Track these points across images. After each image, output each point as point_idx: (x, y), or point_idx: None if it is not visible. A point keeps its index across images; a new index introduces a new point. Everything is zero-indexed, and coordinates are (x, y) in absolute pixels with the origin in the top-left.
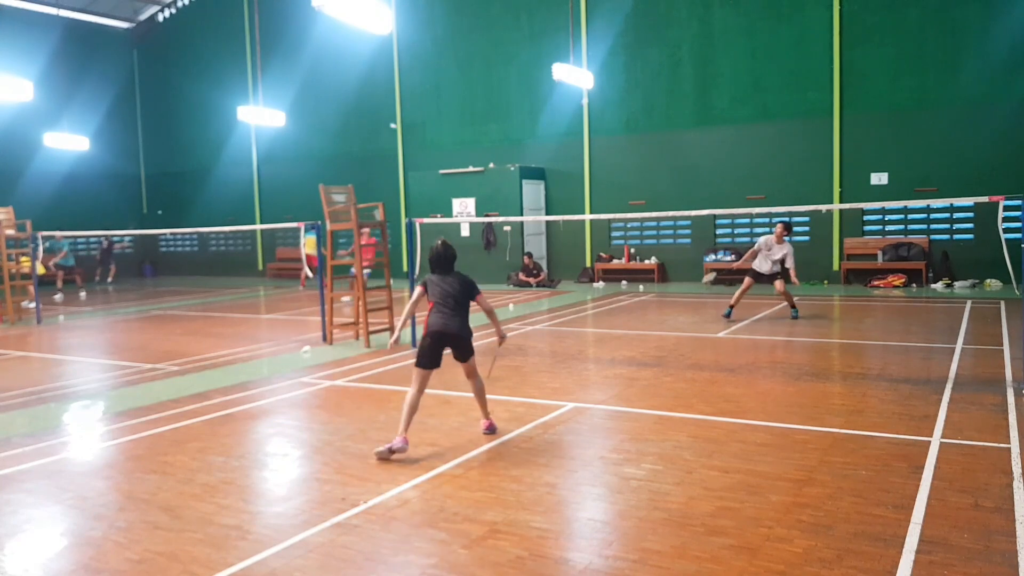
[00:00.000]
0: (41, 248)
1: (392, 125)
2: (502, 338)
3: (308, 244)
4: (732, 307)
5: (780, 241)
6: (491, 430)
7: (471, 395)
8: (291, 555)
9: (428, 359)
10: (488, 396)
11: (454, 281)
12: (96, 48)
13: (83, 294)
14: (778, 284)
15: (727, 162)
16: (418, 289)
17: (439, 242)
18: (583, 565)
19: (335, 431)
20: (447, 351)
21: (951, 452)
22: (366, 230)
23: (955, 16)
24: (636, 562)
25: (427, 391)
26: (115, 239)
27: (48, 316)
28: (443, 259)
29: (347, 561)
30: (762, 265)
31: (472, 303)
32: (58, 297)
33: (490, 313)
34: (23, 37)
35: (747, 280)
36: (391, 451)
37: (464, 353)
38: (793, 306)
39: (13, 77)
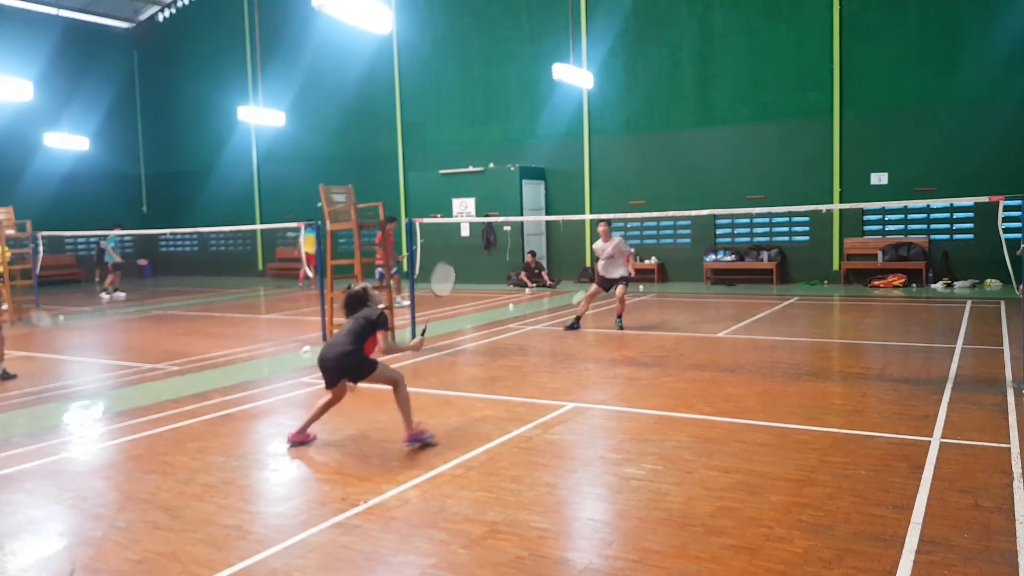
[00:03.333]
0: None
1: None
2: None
3: (308, 243)
4: (579, 317)
5: (608, 239)
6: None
7: (471, 395)
8: (291, 555)
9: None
10: (488, 396)
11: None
12: (96, 48)
13: (122, 295)
14: (619, 289)
15: (727, 162)
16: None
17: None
18: (583, 565)
19: (335, 431)
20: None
21: (951, 452)
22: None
23: (955, 16)
24: (636, 562)
25: (428, 391)
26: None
27: (48, 316)
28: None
29: (347, 561)
30: (609, 270)
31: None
32: (118, 296)
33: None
34: (23, 37)
35: (594, 287)
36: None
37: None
38: (620, 315)
39: (13, 77)
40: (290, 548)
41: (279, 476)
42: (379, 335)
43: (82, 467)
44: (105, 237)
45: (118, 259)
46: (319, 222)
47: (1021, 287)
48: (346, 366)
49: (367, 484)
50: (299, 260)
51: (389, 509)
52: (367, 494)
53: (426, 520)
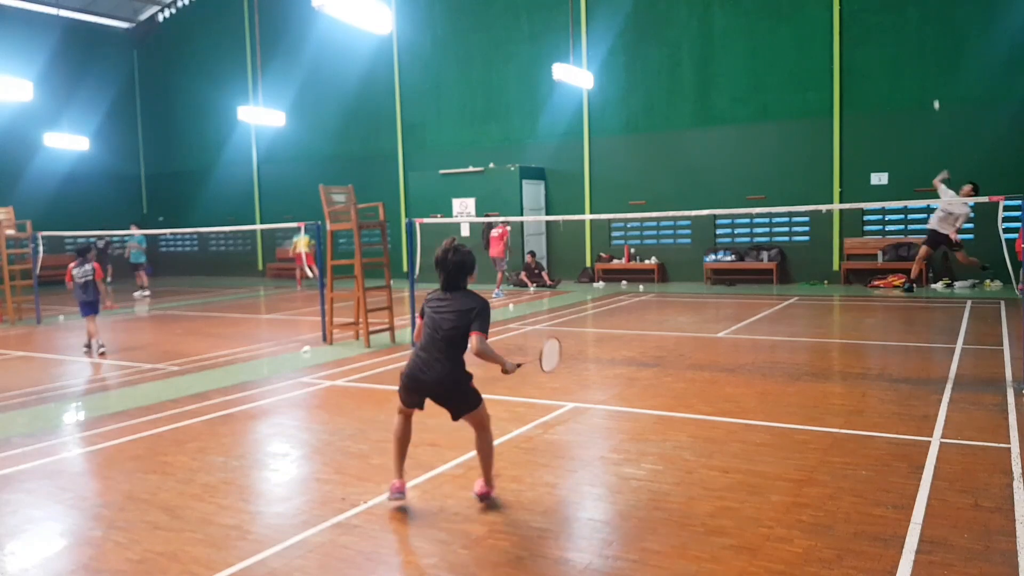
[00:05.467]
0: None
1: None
2: (505, 371)
3: (301, 243)
4: (913, 281)
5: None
6: (484, 497)
7: None
8: (291, 555)
9: (406, 399)
10: (488, 396)
11: (454, 303)
12: (96, 48)
13: (146, 293)
14: (923, 250)
15: (727, 162)
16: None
17: (447, 243)
18: (583, 565)
19: (335, 431)
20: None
21: (951, 452)
22: (499, 225)
23: (955, 16)
24: (636, 562)
25: None
26: (114, 239)
27: (48, 316)
28: (447, 268)
29: (347, 561)
30: (944, 224)
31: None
32: (137, 294)
33: (482, 355)
34: (23, 37)
35: (924, 249)
36: (391, 498)
37: (456, 407)
38: (915, 279)
39: (13, 77)
40: (290, 548)
41: (279, 476)
42: (473, 336)
43: (82, 467)
44: (125, 238)
45: (126, 256)
46: (319, 222)
47: (1021, 287)
48: (449, 389)
49: (367, 484)
50: (294, 260)
51: (389, 509)
52: (367, 494)
53: (426, 520)
